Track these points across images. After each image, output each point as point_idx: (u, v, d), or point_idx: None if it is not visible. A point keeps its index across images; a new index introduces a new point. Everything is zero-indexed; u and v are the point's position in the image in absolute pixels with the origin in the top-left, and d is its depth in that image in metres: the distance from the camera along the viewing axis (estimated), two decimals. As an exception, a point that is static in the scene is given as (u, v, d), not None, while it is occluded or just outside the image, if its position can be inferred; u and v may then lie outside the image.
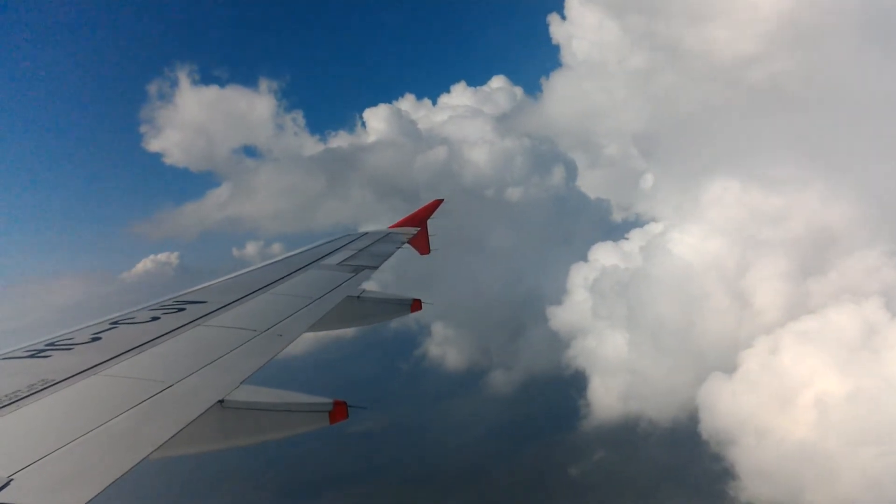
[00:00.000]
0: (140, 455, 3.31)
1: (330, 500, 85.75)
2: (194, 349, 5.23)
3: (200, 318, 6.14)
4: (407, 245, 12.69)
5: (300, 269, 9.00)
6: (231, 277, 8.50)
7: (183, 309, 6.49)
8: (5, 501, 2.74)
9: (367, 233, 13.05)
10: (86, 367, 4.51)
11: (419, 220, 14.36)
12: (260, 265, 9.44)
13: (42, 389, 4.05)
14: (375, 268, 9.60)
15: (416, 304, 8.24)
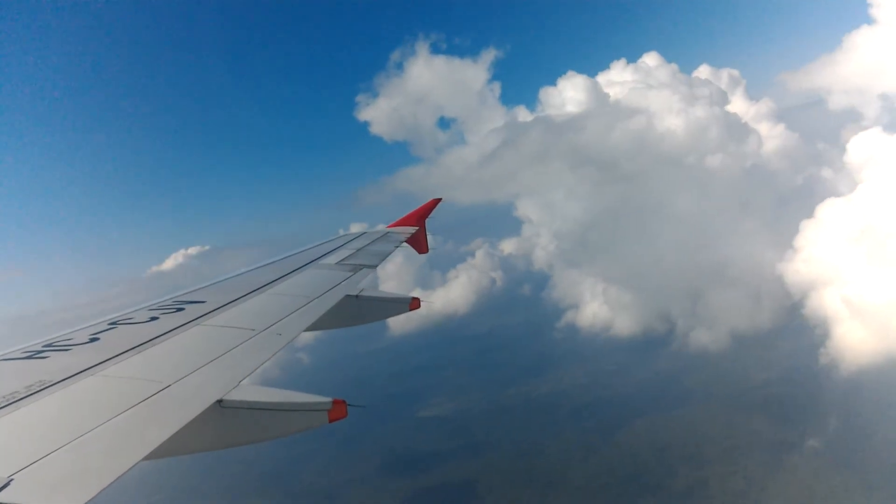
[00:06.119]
0: (139, 455, 3.31)
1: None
2: (193, 349, 5.23)
3: (199, 317, 6.14)
4: (405, 244, 12.69)
5: (299, 268, 8.99)
6: (230, 277, 8.50)
7: (182, 309, 6.49)
8: (6, 501, 2.74)
9: (365, 232, 13.05)
10: (84, 368, 4.51)
11: (417, 218, 14.35)
12: (259, 265, 9.43)
13: (40, 390, 4.05)
14: (374, 267, 9.58)
15: (414, 303, 8.21)
